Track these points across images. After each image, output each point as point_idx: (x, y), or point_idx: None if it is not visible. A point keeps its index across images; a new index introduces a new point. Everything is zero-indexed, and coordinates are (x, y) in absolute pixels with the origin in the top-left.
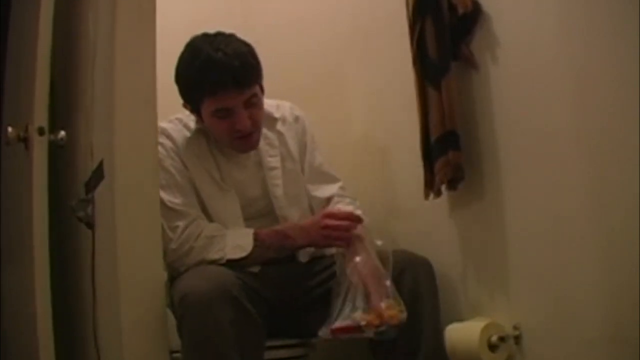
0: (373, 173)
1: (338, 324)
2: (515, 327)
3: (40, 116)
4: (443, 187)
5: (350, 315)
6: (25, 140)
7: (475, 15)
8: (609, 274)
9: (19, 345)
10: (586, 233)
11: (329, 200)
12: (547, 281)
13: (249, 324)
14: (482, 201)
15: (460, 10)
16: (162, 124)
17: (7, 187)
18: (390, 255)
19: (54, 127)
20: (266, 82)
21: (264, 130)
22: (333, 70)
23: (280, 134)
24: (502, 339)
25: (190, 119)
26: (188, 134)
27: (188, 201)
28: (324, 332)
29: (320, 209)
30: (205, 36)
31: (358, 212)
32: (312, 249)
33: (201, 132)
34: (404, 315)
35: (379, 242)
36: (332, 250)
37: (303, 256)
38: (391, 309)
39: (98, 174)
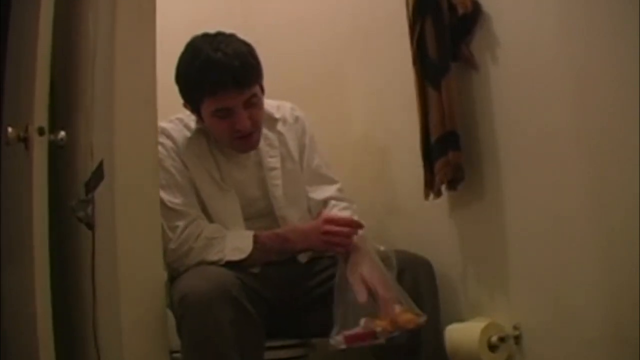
0: (373, 173)
1: (351, 331)
2: (515, 327)
3: (40, 116)
4: (443, 187)
5: (361, 322)
6: (25, 140)
7: (475, 16)
8: (609, 274)
9: (19, 345)
10: (586, 233)
11: (325, 203)
12: (547, 281)
13: (249, 324)
14: (482, 201)
15: (460, 11)
16: (163, 123)
17: (7, 187)
18: (393, 260)
19: (54, 127)
20: (266, 82)
21: (265, 131)
22: (333, 70)
23: (280, 135)
24: (502, 339)
25: (191, 119)
26: (188, 134)
27: (188, 201)
28: (336, 341)
29: (318, 212)
30: (205, 36)
31: (355, 217)
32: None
33: (201, 132)
34: (422, 318)
35: (381, 248)
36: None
37: (302, 256)
38: (405, 314)
39: (98, 174)
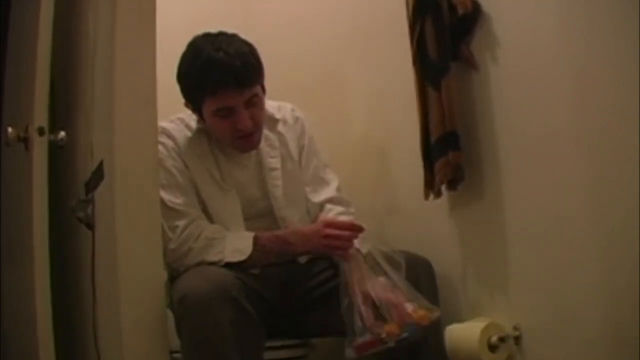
0: (373, 173)
1: (360, 340)
2: (515, 328)
3: (40, 116)
4: (443, 188)
5: (367, 329)
6: (25, 141)
7: (475, 16)
8: (609, 274)
9: (19, 345)
10: (586, 233)
11: (321, 205)
12: (547, 281)
13: (249, 324)
14: (482, 201)
15: (460, 11)
16: (164, 123)
17: (7, 187)
18: (399, 259)
19: (54, 127)
20: (266, 82)
21: (265, 131)
22: (333, 70)
23: (281, 135)
24: (502, 339)
25: (192, 119)
26: (189, 133)
27: (189, 201)
28: (349, 353)
29: (315, 215)
30: (206, 36)
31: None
32: None
33: (202, 132)
34: (436, 313)
35: (385, 249)
36: None
37: (302, 257)
38: (418, 311)
39: (98, 174)
